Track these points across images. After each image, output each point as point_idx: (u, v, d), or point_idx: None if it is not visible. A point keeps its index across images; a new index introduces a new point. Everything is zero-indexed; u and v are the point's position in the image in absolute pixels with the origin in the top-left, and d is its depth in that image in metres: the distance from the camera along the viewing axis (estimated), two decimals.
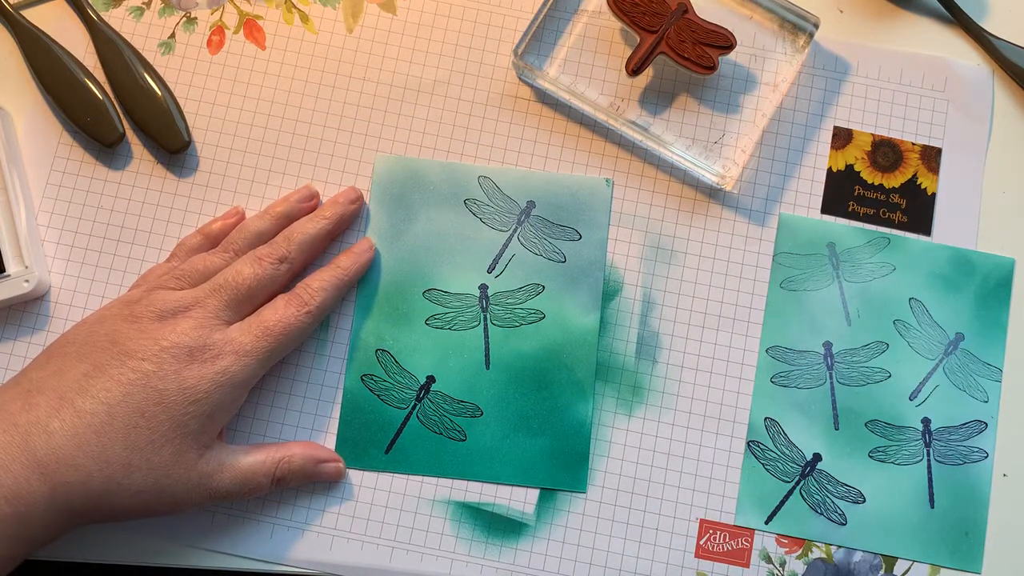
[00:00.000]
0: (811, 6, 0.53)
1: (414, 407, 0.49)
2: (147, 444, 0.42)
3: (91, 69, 0.53)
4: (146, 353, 0.43)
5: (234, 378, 0.44)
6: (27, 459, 0.40)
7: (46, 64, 0.52)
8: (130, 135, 0.53)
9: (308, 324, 0.47)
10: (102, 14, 0.54)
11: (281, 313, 0.46)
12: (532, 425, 0.49)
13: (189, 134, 0.52)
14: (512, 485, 0.48)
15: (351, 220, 0.51)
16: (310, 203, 0.50)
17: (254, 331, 0.45)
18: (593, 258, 0.51)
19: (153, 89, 0.52)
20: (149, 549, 0.47)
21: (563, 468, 0.49)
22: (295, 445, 0.47)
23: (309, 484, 0.48)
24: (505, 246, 0.51)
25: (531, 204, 0.52)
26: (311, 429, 0.49)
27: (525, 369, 0.50)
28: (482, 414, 0.49)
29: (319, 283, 0.47)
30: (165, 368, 0.43)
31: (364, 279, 0.51)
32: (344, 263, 0.49)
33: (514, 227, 0.51)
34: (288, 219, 0.49)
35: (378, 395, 0.50)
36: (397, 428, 0.49)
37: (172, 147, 0.51)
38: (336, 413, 0.49)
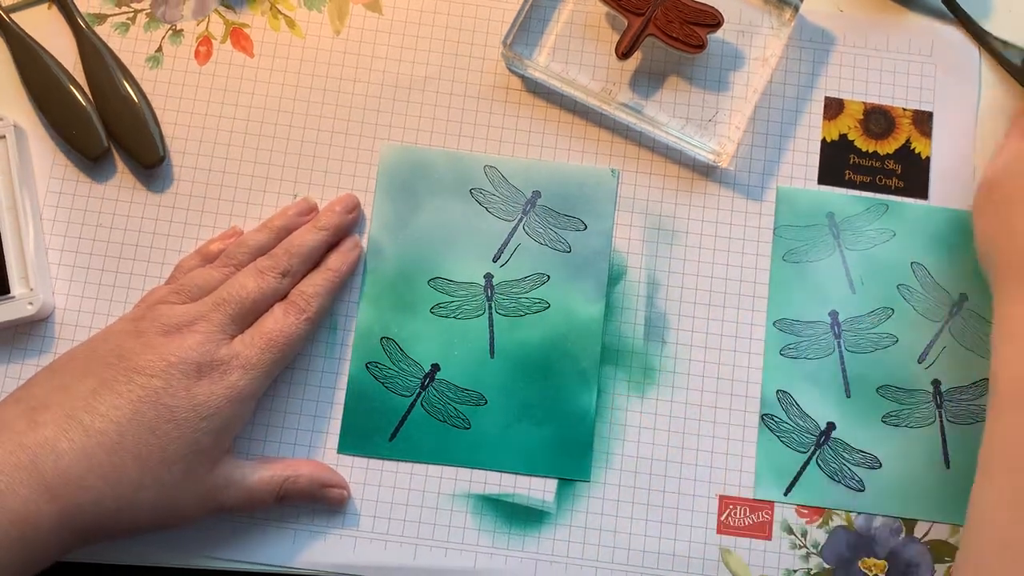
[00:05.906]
0: (812, 6, 0.53)
1: (418, 395, 0.49)
2: (159, 463, 0.42)
3: (81, 81, 0.52)
4: (154, 369, 0.43)
5: (243, 392, 0.44)
6: (35, 482, 0.39)
7: (36, 75, 0.51)
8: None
9: (308, 330, 0.47)
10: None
11: (282, 323, 0.46)
12: (536, 414, 0.49)
13: (164, 148, 0.51)
14: (516, 473, 0.49)
15: (349, 230, 0.51)
16: (308, 216, 0.50)
17: (258, 344, 0.45)
18: (598, 248, 0.51)
19: (132, 99, 0.51)
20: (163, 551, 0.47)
21: (567, 456, 0.49)
22: (303, 465, 0.47)
23: None
24: (511, 235, 0.51)
25: (536, 194, 0.52)
26: (314, 416, 0.49)
27: (529, 358, 0.50)
28: (486, 403, 0.49)
29: (313, 289, 0.48)
30: (174, 385, 0.43)
31: (370, 268, 0.51)
32: (334, 265, 0.49)
33: (520, 217, 0.51)
34: (286, 232, 0.49)
35: (383, 383, 0.50)
36: (401, 416, 0.49)
37: (146, 161, 0.51)
38: (340, 400, 0.49)
